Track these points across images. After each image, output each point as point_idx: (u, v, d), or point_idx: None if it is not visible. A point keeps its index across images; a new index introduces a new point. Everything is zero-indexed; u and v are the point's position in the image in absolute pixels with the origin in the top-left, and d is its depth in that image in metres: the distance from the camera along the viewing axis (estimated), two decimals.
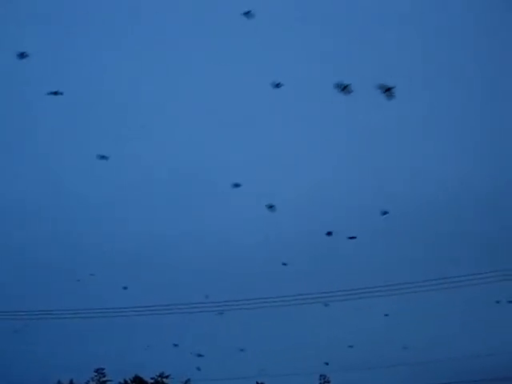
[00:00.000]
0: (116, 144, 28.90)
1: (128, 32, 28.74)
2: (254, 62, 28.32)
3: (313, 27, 27.48)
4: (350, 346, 28.91)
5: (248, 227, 29.76)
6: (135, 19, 28.44)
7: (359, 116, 28.09)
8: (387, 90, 18.71)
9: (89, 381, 31.75)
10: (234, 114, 28.91)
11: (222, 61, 28.47)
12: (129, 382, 31.55)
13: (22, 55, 23.19)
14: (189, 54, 28.94)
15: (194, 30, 28.34)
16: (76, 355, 30.01)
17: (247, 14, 21.71)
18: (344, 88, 19.14)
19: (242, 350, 28.89)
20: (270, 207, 25.55)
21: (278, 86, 23.14)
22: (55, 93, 23.98)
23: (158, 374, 31.20)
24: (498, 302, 28.54)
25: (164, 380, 31.41)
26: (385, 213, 25.83)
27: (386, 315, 29.65)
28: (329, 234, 26.18)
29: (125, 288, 29.43)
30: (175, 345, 29.56)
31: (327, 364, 29.88)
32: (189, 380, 31.10)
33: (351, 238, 26.38)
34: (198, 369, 29.56)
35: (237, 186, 26.59)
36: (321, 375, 31.95)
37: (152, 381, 31.50)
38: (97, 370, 31.53)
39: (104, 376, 31.75)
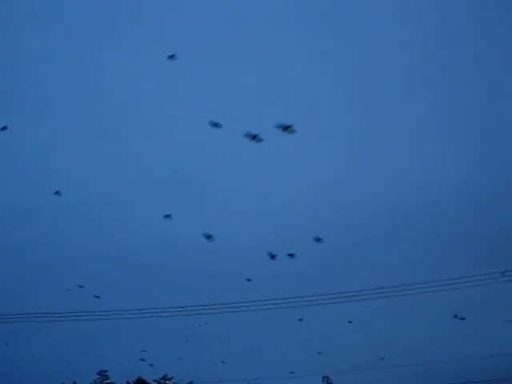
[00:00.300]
0: (116, 144, 28.94)
1: (128, 32, 28.80)
2: (253, 62, 28.36)
3: (312, 27, 27.51)
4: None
5: (248, 227, 29.75)
6: (135, 19, 28.50)
7: (359, 116, 28.14)
8: (286, 128, 18.20)
9: (92, 383, 31.75)
10: (234, 113, 28.90)
11: (222, 61, 28.51)
12: (132, 383, 31.54)
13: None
14: (189, 54, 28.95)
15: (194, 30, 28.38)
16: (79, 357, 29.97)
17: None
18: (286, 128, 18.49)
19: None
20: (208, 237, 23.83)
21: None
22: None
23: (160, 376, 31.21)
24: (497, 302, 28.52)
25: (167, 382, 31.38)
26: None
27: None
28: (318, 239, 25.14)
29: (125, 288, 29.38)
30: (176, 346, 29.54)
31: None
32: (191, 382, 31.06)
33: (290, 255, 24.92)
34: (198, 371, 29.54)
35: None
36: (323, 377, 31.86)
37: (155, 383, 31.49)
38: (100, 373, 31.54)
39: (107, 378, 31.75)
